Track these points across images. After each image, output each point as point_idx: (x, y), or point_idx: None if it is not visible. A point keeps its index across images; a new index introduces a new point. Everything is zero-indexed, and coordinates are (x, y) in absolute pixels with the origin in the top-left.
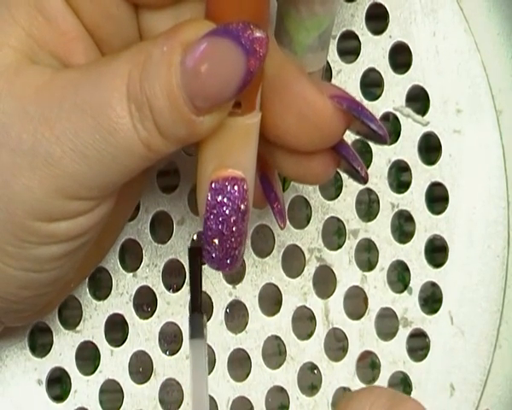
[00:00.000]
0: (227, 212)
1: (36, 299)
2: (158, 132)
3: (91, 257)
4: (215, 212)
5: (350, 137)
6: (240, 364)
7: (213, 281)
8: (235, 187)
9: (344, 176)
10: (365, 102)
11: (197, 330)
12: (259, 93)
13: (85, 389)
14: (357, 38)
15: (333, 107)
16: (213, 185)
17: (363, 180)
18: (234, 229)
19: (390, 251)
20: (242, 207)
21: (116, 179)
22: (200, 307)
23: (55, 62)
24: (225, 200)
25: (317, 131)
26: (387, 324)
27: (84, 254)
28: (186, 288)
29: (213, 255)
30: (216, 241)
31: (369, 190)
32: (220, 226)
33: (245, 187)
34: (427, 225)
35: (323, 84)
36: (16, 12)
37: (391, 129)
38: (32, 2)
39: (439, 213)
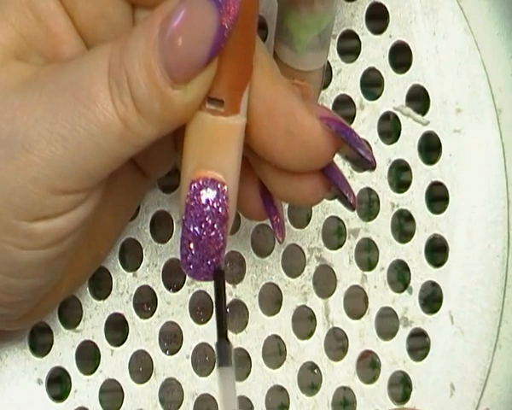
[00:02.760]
0: (205, 214)
1: (19, 305)
2: (134, 107)
3: (86, 264)
4: (192, 214)
5: None
6: (240, 363)
7: None
8: (215, 190)
9: (344, 175)
10: (365, 102)
11: (225, 358)
12: (245, 97)
13: (85, 388)
14: (357, 37)
15: (321, 128)
16: (193, 186)
17: (352, 207)
18: (211, 234)
19: (390, 251)
20: (221, 211)
21: (94, 167)
22: (226, 333)
23: (43, 62)
24: (203, 201)
25: (303, 151)
26: (387, 323)
27: (65, 266)
28: (186, 287)
29: (189, 261)
30: (192, 245)
31: (370, 190)
32: (197, 229)
33: (225, 192)
34: (427, 224)
35: (314, 104)
36: (7, 9)
37: (391, 129)
38: (23, 0)
39: (439, 212)
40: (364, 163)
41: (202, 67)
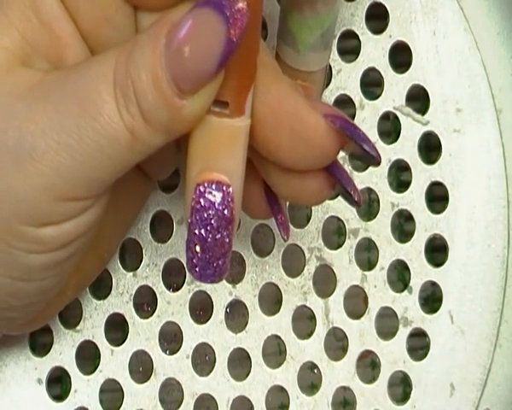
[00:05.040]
0: (210, 217)
1: (27, 308)
2: (141, 117)
3: (90, 267)
4: (198, 216)
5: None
6: (240, 363)
7: None
8: (220, 192)
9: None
10: (365, 102)
11: None
12: (249, 99)
13: (85, 388)
14: (357, 37)
15: (325, 125)
16: (198, 188)
17: (357, 204)
18: (217, 237)
19: (390, 250)
20: (226, 213)
21: (102, 175)
22: None
23: (47, 66)
24: (209, 204)
25: (308, 149)
26: (387, 323)
27: (73, 267)
28: (186, 287)
29: (195, 263)
30: (198, 248)
31: (370, 190)
32: (203, 232)
33: (230, 194)
34: (427, 224)
35: (318, 102)
36: (11, 13)
37: (391, 128)
38: (27, 3)
39: (439, 212)
40: (370, 159)
41: (210, 79)
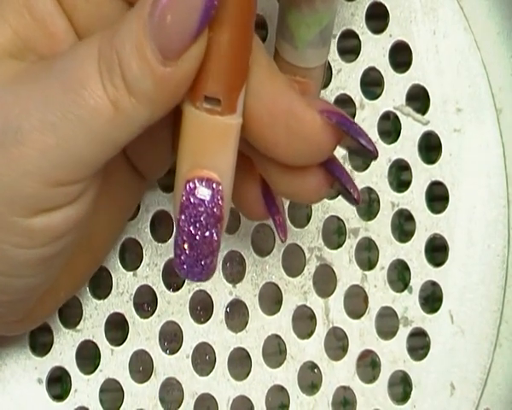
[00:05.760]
0: (199, 214)
1: (16, 304)
2: (125, 89)
3: (84, 268)
4: (187, 213)
5: None
6: (240, 363)
7: (213, 280)
8: (210, 189)
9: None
10: (365, 101)
11: None
12: (241, 97)
13: (86, 388)
14: (357, 37)
15: (321, 121)
16: (188, 185)
17: (356, 202)
18: (206, 234)
19: (390, 250)
20: (216, 211)
21: (87, 155)
22: None
23: None
24: (198, 201)
25: (305, 145)
26: (388, 323)
27: (62, 265)
28: (186, 287)
29: (183, 261)
30: (186, 245)
31: (370, 189)
32: (192, 229)
33: (220, 192)
34: (427, 224)
35: (314, 98)
36: (5, 9)
37: (391, 128)
38: (21, 1)
39: (439, 212)
40: (366, 153)
41: (193, 40)
